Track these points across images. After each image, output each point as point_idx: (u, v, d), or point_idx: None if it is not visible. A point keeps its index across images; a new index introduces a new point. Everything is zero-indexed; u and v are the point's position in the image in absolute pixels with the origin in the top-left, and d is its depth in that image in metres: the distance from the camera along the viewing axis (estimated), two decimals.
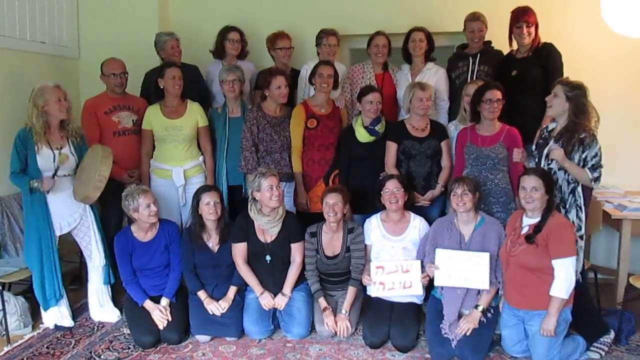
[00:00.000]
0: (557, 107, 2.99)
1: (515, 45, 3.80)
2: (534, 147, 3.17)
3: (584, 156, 2.91)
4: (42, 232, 3.31)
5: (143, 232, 3.38)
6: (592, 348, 3.02)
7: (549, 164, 3.00)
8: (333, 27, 4.07)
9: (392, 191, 3.25)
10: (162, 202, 3.66)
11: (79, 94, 4.36)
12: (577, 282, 2.88)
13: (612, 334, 3.07)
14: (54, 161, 3.27)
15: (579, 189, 2.96)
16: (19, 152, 3.24)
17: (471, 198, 3.03)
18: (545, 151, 3.03)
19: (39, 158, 3.25)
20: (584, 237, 2.98)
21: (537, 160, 3.09)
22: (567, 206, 2.97)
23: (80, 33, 4.61)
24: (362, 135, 3.57)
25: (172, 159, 3.73)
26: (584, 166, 2.91)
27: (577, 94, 2.93)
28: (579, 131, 2.91)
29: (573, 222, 2.94)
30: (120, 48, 4.10)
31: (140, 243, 3.37)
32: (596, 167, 2.90)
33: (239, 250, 3.36)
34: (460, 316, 3.04)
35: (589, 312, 3.05)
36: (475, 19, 3.86)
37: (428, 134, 3.56)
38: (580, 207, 2.97)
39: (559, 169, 2.97)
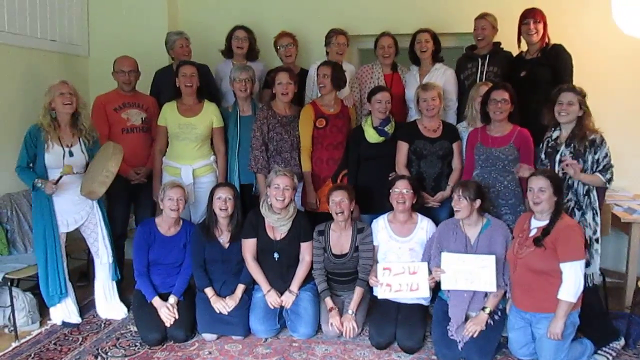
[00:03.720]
0: (573, 114, 2.99)
1: (524, 47, 3.79)
2: (542, 155, 3.15)
3: (596, 157, 2.92)
4: (47, 229, 3.33)
5: (166, 225, 3.42)
6: (600, 352, 3.00)
7: (562, 170, 2.99)
8: (342, 27, 4.07)
9: (400, 191, 3.24)
10: None
11: (88, 92, 4.38)
12: (590, 284, 2.90)
13: (622, 341, 3.06)
14: (63, 158, 3.29)
15: (594, 191, 2.97)
16: (28, 148, 3.27)
17: (466, 205, 3.01)
18: (558, 157, 3.01)
19: (47, 155, 3.27)
20: (600, 240, 2.97)
21: (548, 168, 3.06)
22: (583, 207, 2.97)
23: (90, 31, 4.64)
24: (371, 136, 3.56)
25: (182, 157, 3.73)
26: (596, 168, 2.93)
27: (585, 99, 2.98)
28: (588, 133, 2.95)
29: (589, 225, 2.94)
30: (130, 46, 4.11)
31: (161, 236, 3.41)
32: (607, 167, 2.94)
33: (249, 246, 3.38)
34: (467, 318, 3.04)
35: (599, 316, 3.03)
36: (480, 17, 3.87)
37: (440, 135, 3.55)
38: (596, 211, 2.97)
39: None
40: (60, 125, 3.32)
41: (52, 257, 3.33)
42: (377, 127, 3.55)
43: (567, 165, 2.94)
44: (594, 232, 2.98)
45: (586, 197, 2.97)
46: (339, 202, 3.27)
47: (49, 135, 3.26)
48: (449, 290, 3.09)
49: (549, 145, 3.11)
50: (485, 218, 3.12)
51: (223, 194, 3.34)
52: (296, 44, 4.15)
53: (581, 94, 2.98)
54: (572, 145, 2.98)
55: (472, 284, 2.98)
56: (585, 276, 2.90)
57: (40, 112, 3.27)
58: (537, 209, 2.85)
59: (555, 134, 3.10)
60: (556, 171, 3.03)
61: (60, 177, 3.24)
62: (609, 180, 2.94)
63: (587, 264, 2.93)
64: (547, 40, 3.69)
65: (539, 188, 2.82)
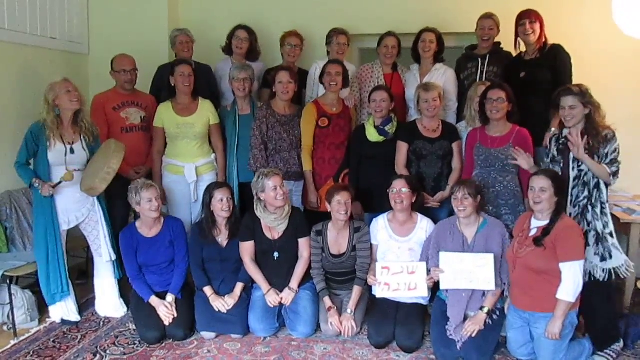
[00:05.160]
0: (578, 117, 2.93)
1: (522, 48, 3.80)
2: (555, 152, 3.10)
3: (605, 151, 2.88)
4: (48, 226, 3.32)
5: (147, 227, 3.40)
6: (600, 353, 3.00)
7: (579, 166, 2.96)
8: (343, 27, 4.08)
9: (398, 190, 3.23)
10: (173, 198, 3.69)
11: (88, 90, 4.39)
12: (622, 276, 2.92)
13: (621, 343, 3.05)
14: (65, 155, 3.29)
15: (602, 184, 2.93)
16: (28, 145, 3.26)
17: (471, 202, 3.01)
18: (572, 155, 2.97)
19: (50, 153, 3.27)
20: (614, 234, 2.94)
21: (561, 165, 3.03)
22: (592, 201, 2.93)
23: (91, 29, 4.65)
24: (372, 135, 3.57)
25: (184, 155, 3.73)
26: (603, 161, 2.88)
27: (589, 97, 2.92)
28: (601, 129, 2.90)
29: (599, 218, 2.91)
30: (130, 44, 4.11)
31: (144, 239, 3.38)
32: (614, 161, 2.88)
33: (246, 249, 3.38)
34: (465, 318, 3.04)
35: (607, 316, 3.01)
36: (487, 17, 3.88)
37: (440, 135, 3.55)
38: (604, 204, 2.93)
39: (589, 170, 2.93)
40: (62, 123, 3.32)
41: (53, 255, 3.33)
42: (378, 127, 3.55)
43: (570, 142, 2.88)
44: (605, 226, 2.92)
45: (595, 189, 2.92)
46: (345, 202, 3.27)
47: (52, 132, 3.25)
48: (447, 290, 3.09)
49: (560, 142, 3.07)
50: (482, 217, 3.12)
51: (223, 195, 3.33)
52: (302, 47, 4.15)
53: (580, 94, 2.92)
54: (584, 141, 2.91)
55: (471, 282, 2.98)
56: (609, 272, 2.89)
57: (42, 110, 3.26)
58: (537, 208, 2.85)
59: (565, 131, 3.05)
60: (570, 168, 2.98)
61: (60, 182, 3.25)
62: (614, 174, 2.87)
63: (603, 259, 2.89)
64: (545, 40, 3.70)
65: (540, 188, 2.82)
